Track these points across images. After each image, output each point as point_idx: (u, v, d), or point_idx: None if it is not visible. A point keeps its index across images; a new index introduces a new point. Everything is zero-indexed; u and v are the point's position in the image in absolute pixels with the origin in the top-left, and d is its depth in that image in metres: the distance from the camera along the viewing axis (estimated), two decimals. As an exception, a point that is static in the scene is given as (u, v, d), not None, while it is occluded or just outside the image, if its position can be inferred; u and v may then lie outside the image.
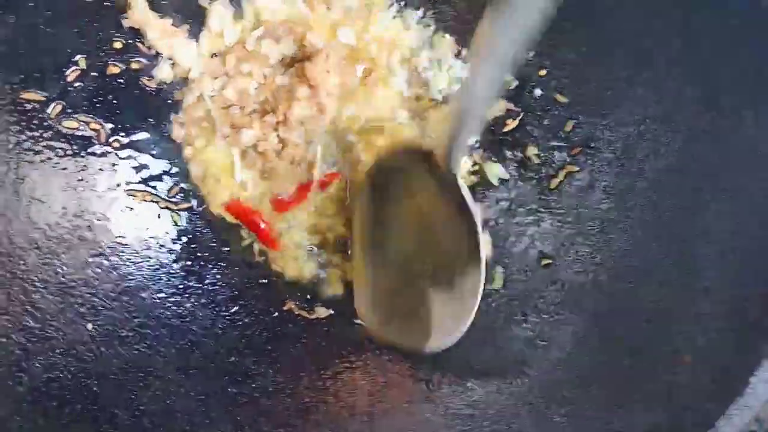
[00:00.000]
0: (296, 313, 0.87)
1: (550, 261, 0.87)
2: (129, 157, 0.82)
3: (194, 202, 0.86)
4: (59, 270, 0.77)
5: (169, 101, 0.85)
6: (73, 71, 0.77)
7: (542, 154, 0.90)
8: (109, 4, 0.78)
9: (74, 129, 0.78)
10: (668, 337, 0.78)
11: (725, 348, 0.74)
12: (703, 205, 0.79)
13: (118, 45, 0.80)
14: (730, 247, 0.76)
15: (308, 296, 0.89)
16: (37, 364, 0.74)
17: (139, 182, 0.83)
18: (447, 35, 0.91)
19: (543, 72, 0.89)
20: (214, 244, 0.87)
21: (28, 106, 0.74)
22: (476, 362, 0.86)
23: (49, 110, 0.76)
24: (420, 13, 0.90)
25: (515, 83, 0.90)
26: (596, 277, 0.85)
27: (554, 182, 0.89)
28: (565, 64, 0.87)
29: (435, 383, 0.86)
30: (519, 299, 0.88)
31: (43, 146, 0.76)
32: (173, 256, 0.84)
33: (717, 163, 0.79)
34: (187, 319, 0.83)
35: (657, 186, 0.82)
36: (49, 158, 0.76)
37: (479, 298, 0.76)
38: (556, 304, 0.86)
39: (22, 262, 0.74)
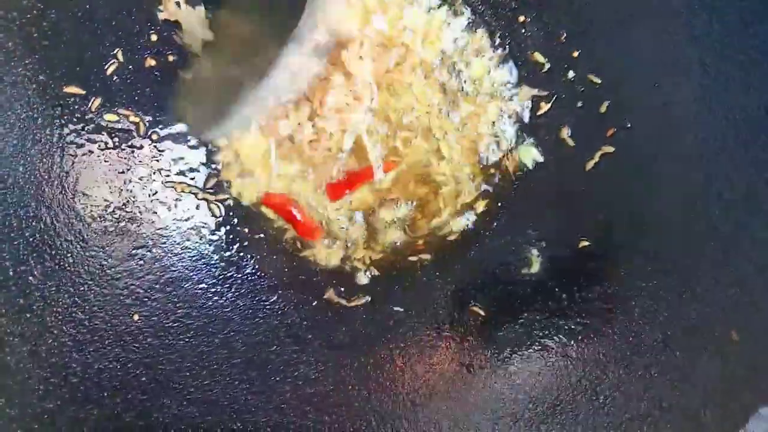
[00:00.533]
0: (335, 301, 0.87)
1: (588, 244, 0.86)
2: (167, 149, 0.82)
3: (231, 193, 0.86)
4: (104, 262, 0.77)
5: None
6: (111, 64, 0.77)
7: (577, 136, 0.89)
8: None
9: (114, 122, 0.78)
10: (715, 317, 0.77)
11: None
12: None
13: (154, 38, 0.80)
14: None
15: (346, 285, 0.89)
16: (88, 355, 0.75)
17: (178, 173, 0.83)
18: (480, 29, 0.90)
19: (576, 53, 0.87)
20: (252, 235, 0.87)
21: (70, 100, 0.75)
22: (517, 345, 0.86)
23: (89, 104, 0.76)
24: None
25: (548, 66, 0.89)
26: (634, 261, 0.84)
27: (590, 164, 0.88)
28: (598, 44, 0.86)
29: (476, 367, 0.86)
30: (557, 283, 0.87)
31: (86, 139, 0.76)
32: (213, 247, 0.85)
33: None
34: (228, 309, 0.84)
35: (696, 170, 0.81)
36: (91, 151, 0.77)
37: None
38: (594, 288, 0.86)
39: (68, 254, 0.75)
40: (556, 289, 0.87)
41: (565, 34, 0.87)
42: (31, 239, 0.72)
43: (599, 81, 0.87)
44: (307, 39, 0.70)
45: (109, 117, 0.78)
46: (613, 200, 0.87)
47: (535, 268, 0.88)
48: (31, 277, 0.72)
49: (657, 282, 0.82)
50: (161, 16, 0.79)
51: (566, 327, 0.85)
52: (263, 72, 0.73)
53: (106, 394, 0.74)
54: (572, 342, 0.85)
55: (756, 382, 0.75)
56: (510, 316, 0.86)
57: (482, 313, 0.87)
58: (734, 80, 0.78)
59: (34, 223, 0.73)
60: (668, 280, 0.81)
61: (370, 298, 0.89)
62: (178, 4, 0.78)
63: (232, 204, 0.87)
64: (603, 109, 0.87)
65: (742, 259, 0.79)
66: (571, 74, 0.88)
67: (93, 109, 0.77)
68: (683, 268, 0.81)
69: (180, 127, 0.83)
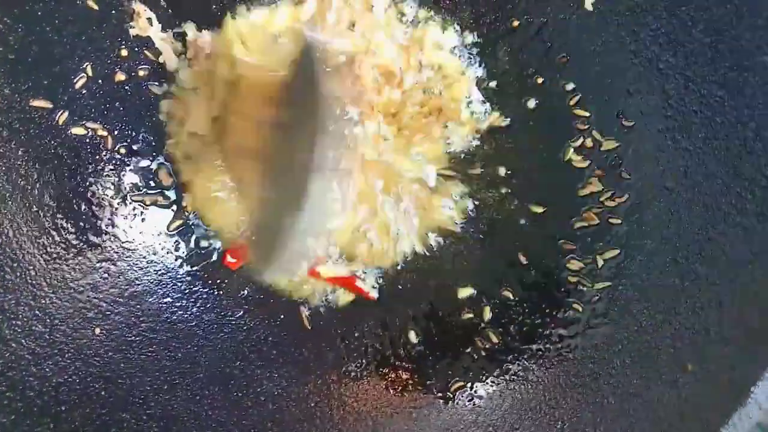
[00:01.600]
0: (302, 318, 0.87)
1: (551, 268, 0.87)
2: (136, 164, 0.82)
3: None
4: (67, 275, 0.78)
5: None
6: (80, 78, 0.77)
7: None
8: (115, 12, 0.78)
9: (82, 136, 0.78)
10: (673, 346, 0.78)
11: (728, 358, 0.74)
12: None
13: (124, 53, 0.80)
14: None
15: (313, 304, 0.89)
16: (47, 369, 0.74)
17: (145, 188, 0.83)
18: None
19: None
20: (219, 248, 0.87)
21: (37, 114, 0.75)
22: (478, 369, 0.87)
23: (56, 117, 0.76)
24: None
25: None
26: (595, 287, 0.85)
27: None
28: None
29: (437, 389, 0.87)
30: (519, 307, 0.88)
31: (51, 153, 0.76)
32: (179, 261, 0.85)
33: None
34: (193, 324, 0.84)
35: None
36: (57, 165, 0.77)
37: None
38: (555, 313, 0.86)
39: (30, 267, 0.75)
40: (519, 313, 0.87)
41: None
42: (-9, 252, 0.72)
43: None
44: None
45: (77, 131, 0.78)
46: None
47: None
48: (-10, 291, 0.72)
49: (617, 309, 0.83)
50: (132, 32, 0.79)
51: (528, 351, 0.86)
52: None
53: (63, 408, 0.74)
54: (533, 366, 0.85)
55: (708, 413, 0.76)
56: (471, 339, 0.87)
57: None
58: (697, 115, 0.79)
59: (-5, 236, 0.73)
60: (628, 308, 0.82)
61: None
62: (149, 20, 0.78)
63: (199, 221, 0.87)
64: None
65: (703, 289, 0.79)
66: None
67: (60, 123, 0.77)
68: (644, 295, 0.82)
69: (149, 141, 0.83)
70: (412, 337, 0.88)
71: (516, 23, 0.85)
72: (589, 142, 0.84)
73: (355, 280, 0.87)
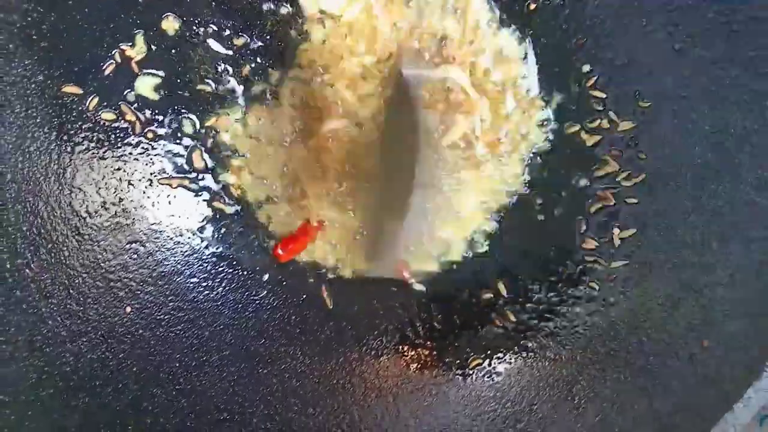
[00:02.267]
0: (324, 297, 0.89)
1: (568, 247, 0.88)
2: (162, 147, 0.84)
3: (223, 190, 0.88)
4: (99, 256, 0.80)
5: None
6: (109, 65, 0.79)
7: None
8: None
9: (111, 121, 0.80)
10: (689, 322, 0.79)
11: (743, 334, 0.75)
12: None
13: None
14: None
15: (335, 282, 0.91)
16: (81, 346, 0.77)
17: (172, 171, 0.85)
18: None
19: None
20: (243, 230, 0.89)
21: (68, 99, 0.77)
22: (496, 346, 0.88)
23: (87, 103, 0.78)
24: None
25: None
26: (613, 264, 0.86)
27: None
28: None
29: (456, 365, 0.89)
30: (537, 286, 0.89)
31: (82, 137, 0.79)
32: (204, 243, 0.87)
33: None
34: (219, 303, 0.86)
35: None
36: (88, 149, 0.79)
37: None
38: (573, 291, 0.88)
39: (64, 248, 0.78)
40: (536, 291, 0.88)
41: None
42: (28, 233, 0.75)
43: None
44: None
45: (106, 116, 0.80)
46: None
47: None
48: (27, 270, 0.75)
49: (633, 287, 0.84)
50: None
51: (545, 328, 0.88)
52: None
53: (97, 383, 0.77)
54: (550, 343, 0.87)
55: (724, 386, 0.77)
56: (489, 317, 0.88)
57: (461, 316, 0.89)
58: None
59: (31, 218, 0.75)
60: (644, 285, 0.83)
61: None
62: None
63: (226, 202, 0.88)
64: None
65: (719, 266, 0.80)
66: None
67: (90, 108, 0.79)
68: (660, 273, 0.83)
69: (175, 126, 0.85)
70: (432, 315, 0.89)
71: (533, 6, 0.86)
72: (605, 123, 0.85)
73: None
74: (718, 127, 0.78)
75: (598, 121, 0.85)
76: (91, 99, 0.79)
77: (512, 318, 0.88)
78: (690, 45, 0.78)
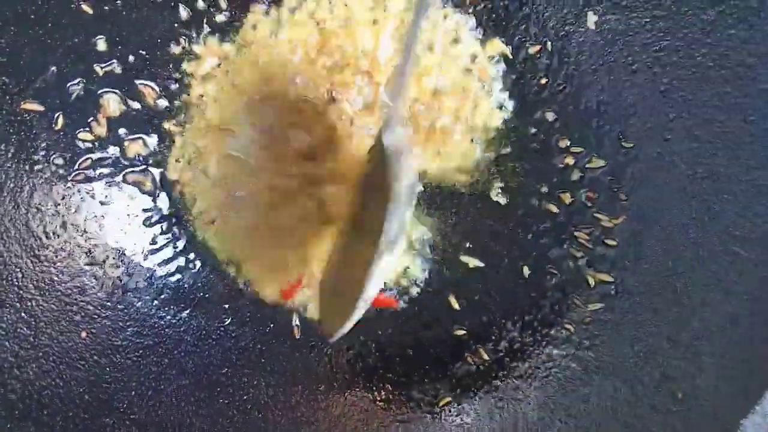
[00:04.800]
0: (292, 327, 0.86)
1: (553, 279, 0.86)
2: (127, 168, 0.82)
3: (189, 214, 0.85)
4: (55, 278, 0.77)
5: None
6: (74, 84, 0.77)
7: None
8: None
9: (72, 139, 0.78)
10: (664, 373, 0.77)
11: (720, 388, 0.73)
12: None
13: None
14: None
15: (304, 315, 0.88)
16: (30, 372, 0.74)
17: (137, 193, 0.83)
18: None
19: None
20: (209, 254, 0.86)
21: (27, 116, 0.74)
22: (468, 385, 0.86)
23: (48, 120, 0.76)
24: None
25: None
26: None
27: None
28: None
29: (428, 402, 0.86)
30: (511, 324, 0.87)
31: (42, 156, 0.76)
32: (168, 267, 0.84)
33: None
34: (181, 329, 0.83)
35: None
36: (48, 168, 0.76)
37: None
38: (545, 332, 0.85)
39: (18, 269, 0.75)
40: (510, 333, 0.86)
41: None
42: (-22, 254, 0.72)
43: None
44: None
45: (83, 135, 0.77)
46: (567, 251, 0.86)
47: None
48: (-26, 292, 0.72)
49: (609, 335, 0.82)
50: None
51: (518, 370, 0.85)
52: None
53: (45, 412, 0.74)
54: (523, 384, 0.85)
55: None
56: (461, 354, 0.86)
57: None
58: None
59: (-18, 238, 0.72)
60: (621, 333, 0.81)
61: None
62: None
63: (189, 224, 0.86)
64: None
65: (698, 315, 0.78)
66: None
67: (58, 127, 0.76)
68: (637, 323, 0.81)
69: (140, 145, 0.82)
70: (402, 349, 0.87)
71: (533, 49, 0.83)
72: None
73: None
74: (700, 172, 0.76)
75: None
76: (58, 117, 0.76)
77: (485, 356, 0.86)
78: (675, 87, 0.76)
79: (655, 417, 0.77)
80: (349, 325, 0.62)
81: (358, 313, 0.60)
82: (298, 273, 0.85)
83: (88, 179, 0.79)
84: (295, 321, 0.86)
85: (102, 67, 0.78)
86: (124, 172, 0.81)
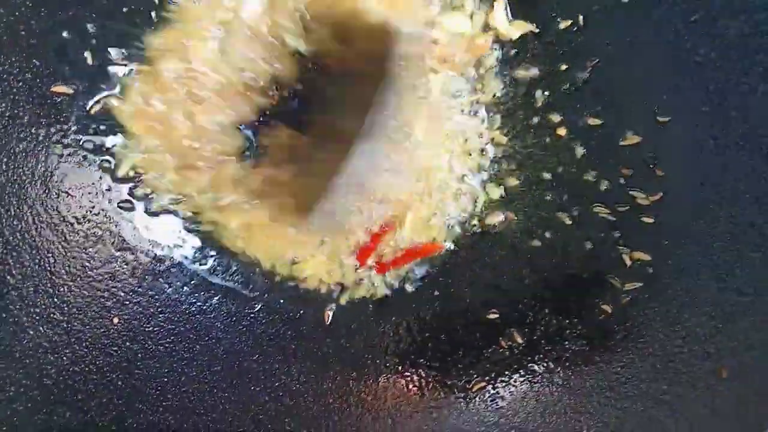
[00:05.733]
0: (323, 313, 0.85)
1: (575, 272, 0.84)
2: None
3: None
4: (86, 263, 0.77)
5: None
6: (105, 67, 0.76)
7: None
8: None
9: (102, 124, 0.77)
10: (706, 351, 0.75)
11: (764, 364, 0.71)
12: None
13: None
14: None
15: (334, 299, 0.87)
16: (64, 357, 0.74)
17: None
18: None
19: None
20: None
21: (57, 100, 0.73)
22: (502, 369, 0.84)
23: (78, 104, 0.75)
24: None
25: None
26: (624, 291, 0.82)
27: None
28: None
29: (459, 388, 0.85)
30: (546, 309, 0.85)
31: (72, 140, 0.75)
32: (198, 253, 0.83)
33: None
34: (212, 315, 0.83)
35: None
36: (77, 152, 0.76)
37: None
38: (583, 316, 0.84)
39: (49, 254, 0.74)
40: (545, 316, 0.84)
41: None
42: (10, 238, 0.71)
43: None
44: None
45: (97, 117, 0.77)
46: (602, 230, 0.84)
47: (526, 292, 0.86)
48: (9, 277, 0.71)
49: (648, 314, 0.80)
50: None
51: (553, 353, 0.83)
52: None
53: (79, 398, 0.74)
54: (558, 368, 0.83)
55: (740, 420, 0.73)
56: (495, 338, 0.84)
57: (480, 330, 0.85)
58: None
59: (14, 222, 0.72)
60: (659, 313, 0.79)
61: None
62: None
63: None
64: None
65: (734, 295, 0.76)
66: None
67: (92, 112, 0.75)
68: (675, 302, 0.79)
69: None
70: (435, 334, 0.85)
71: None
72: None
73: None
74: (738, 145, 0.74)
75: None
76: (87, 100, 0.75)
77: (520, 340, 0.84)
78: (711, 57, 0.74)
79: (699, 396, 0.75)
80: None
81: None
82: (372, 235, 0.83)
83: (118, 168, 0.78)
84: (330, 310, 0.85)
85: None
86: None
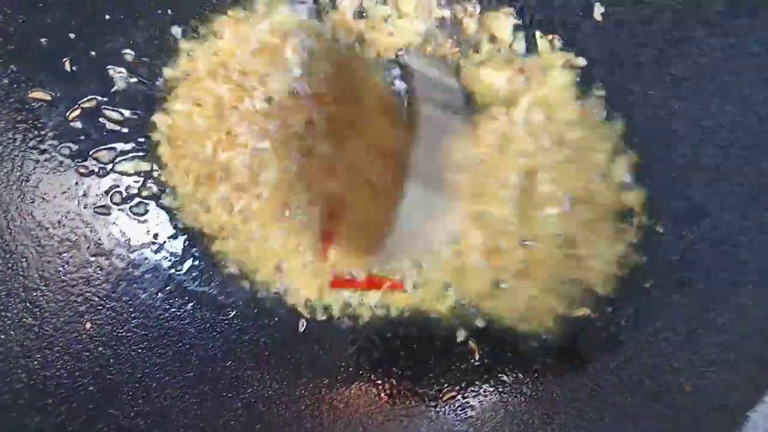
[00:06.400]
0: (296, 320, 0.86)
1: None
2: (133, 158, 0.81)
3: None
4: (60, 268, 0.77)
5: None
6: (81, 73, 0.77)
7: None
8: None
9: (78, 128, 0.78)
10: (672, 366, 0.77)
11: (725, 383, 0.73)
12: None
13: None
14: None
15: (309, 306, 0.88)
16: (35, 362, 0.74)
17: (142, 182, 0.82)
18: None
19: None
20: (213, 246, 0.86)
21: (35, 105, 0.74)
22: (472, 378, 0.86)
23: (56, 109, 0.76)
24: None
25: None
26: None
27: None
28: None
29: (432, 396, 0.86)
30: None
31: (49, 145, 0.76)
32: (174, 258, 0.84)
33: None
34: (186, 321, 0.83)
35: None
36: (54, 157, 0.76)
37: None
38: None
39: (23, 259, 0.74)
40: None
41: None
42: (-17, 242, 0.72)
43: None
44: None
45: (76, 124, 0.77)
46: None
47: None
48: (-19, 282, 0.72)
49: (614, 326, 0.81)
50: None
51: (523, 363, 0.85)
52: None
53: (50, 402, 0.74)
54: (527, 380, 0.84)
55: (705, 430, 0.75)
56: (467, 348, 0.85)
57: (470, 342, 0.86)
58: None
59: (-12, 227, 0.72)
60: (625, 325, 0.81)
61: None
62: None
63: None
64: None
65: (702, 308, 0.78)
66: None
67: (70, 118, 0.76)
68: (640, 314, 0.81)
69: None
70: (407, 342, 0.86)
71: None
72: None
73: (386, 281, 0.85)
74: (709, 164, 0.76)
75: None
76: (61, 106, 0.76)
77: (489, 349, 0.85)
78: (682, 79, 0.76)
79: (661, 409, 0.76)
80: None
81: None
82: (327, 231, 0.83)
83: (95, 169, 0.79)
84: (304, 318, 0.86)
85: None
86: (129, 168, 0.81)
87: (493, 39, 0.81)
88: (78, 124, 0.77)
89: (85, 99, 0.77)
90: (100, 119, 0.78)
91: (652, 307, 0.80)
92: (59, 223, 0.77)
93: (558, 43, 0.80)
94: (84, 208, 0.78)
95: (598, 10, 0.78)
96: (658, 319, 0.79)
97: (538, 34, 0.79)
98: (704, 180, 0.76)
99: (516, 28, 0.80)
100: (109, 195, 0.80)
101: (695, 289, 0.77)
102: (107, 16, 0.75)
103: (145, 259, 0.82)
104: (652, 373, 0.79)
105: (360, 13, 0.79)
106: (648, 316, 0.80)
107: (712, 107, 0.76)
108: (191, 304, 0.84)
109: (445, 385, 0.86)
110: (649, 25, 0.77)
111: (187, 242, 0.84)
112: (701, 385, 0.76)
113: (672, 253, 0.78)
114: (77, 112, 0.77)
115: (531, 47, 0.80)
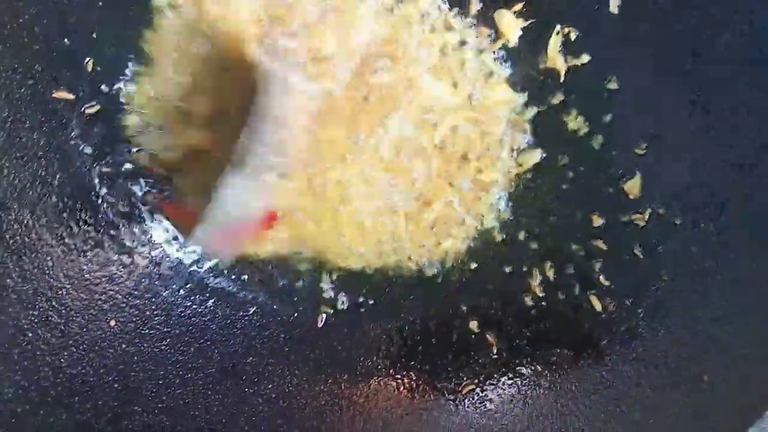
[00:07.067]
0: (316, 315, 0.87)
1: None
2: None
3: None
4: (84, 267, 0.78)
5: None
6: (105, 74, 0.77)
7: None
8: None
9: (102, 129, 0.78)
10: (691, 357, 0.78)
11: (746, 373, 0.74)
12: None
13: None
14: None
15: (326, 302, 0.88)
16: (61, 359, 0.75)
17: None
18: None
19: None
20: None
21: (59, 105, 0.75)
22: (491, 372, 0.86)
23: (79, 109, 0.76)
24: None
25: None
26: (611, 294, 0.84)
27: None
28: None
29: (449, 391, 0.87)
30: (536, 312, 0.87)
31: (72, 144, 0.76)
32: (195, 255, 0.85)
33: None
34: (207, 318, 0.84)
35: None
36: (77, 157, 0.77)
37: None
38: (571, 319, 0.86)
39: (49, 258, 0.75)
40: (534, 318, 0.87)
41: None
42: (11, 241, 0.72)
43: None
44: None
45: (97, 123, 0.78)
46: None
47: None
48: (9, 279, 0.72)
49: (632, 318, 0.82)
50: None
51: (541, 356, 0.85)
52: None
53: (76, 399, 0.75)
54: (545, 372, 0.85)
55: (722, 422, 0.75)
56: (485, 341, 0.86)
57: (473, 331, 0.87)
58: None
59: (15, 225, 0.73)
60: (643, 317, 0.81)
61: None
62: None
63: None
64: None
65: (720, 299, 0.79)
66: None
67: (88, 116, 0.76)
68: (658, 306, 0.81)
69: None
70: (426, 337, 0.87)
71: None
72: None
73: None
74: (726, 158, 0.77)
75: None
76: (88, 105, 0.76)
77: (508, 343, 0.86)
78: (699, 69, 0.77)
79: (684, 401, 0.77)
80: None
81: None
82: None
83: (117, 169, 0.80)
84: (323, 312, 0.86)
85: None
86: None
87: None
88: (101, 124, 0.78)
89: (107, 99, 0.78)
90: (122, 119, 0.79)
91: (669, 298, 0.80)
92: (83, 221, 0.78)
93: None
94: (106, 206, 0.79)
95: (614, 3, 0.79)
96: (675, 310, 0.80)
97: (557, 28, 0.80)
98: (723, 173, 0.76)
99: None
100: (132, 194, 0.81)
101: (713, 280, 0.78)
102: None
103: (167, 256, 0.83)
104: (670, 364, 0.79)
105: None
106: (666, 308, 0.80)
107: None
108: (212, 300, 0.85)
109: (464, 378, 0.87)
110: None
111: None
112: (719, 376, 0.76)
113: (690, 244, 0.79)
114: (98, 111, 0.77)
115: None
